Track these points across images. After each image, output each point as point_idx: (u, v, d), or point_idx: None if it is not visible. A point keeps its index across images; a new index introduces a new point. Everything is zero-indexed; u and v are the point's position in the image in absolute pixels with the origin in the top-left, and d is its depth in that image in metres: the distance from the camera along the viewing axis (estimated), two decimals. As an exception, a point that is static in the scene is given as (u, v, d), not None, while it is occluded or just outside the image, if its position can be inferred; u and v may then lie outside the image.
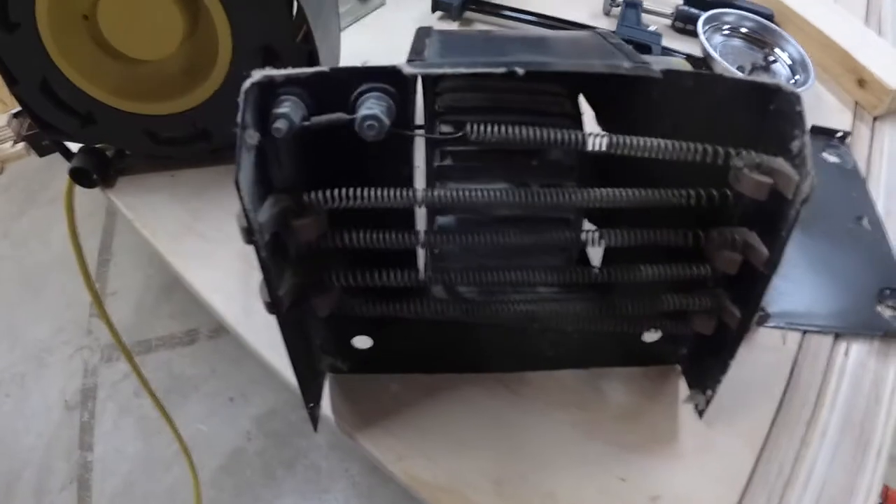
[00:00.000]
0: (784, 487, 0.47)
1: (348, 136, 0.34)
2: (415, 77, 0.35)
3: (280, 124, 0.32)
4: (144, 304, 1.68)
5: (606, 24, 0.90)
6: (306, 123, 0.34)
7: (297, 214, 0.36)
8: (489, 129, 0.34)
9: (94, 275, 1.68)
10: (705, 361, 0.47)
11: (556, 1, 0.92)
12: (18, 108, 0.66)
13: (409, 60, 0.36)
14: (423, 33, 0.46)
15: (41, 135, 0.63)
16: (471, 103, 0.42)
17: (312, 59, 0.57)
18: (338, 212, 0.36)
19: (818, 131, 0.74)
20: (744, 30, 0.85)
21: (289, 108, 0.33)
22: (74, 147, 0.65)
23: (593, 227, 0.41)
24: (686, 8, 0.88)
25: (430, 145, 0.42)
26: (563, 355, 0.50)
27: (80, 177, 0.64)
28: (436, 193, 0.36)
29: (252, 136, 0.32)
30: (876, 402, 0.52)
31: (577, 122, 0.42)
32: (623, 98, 0.42)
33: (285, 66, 0.34)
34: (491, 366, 0.51)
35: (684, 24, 0.88)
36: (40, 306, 1.68)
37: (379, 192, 0.35)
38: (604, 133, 0.35)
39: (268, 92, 0.34)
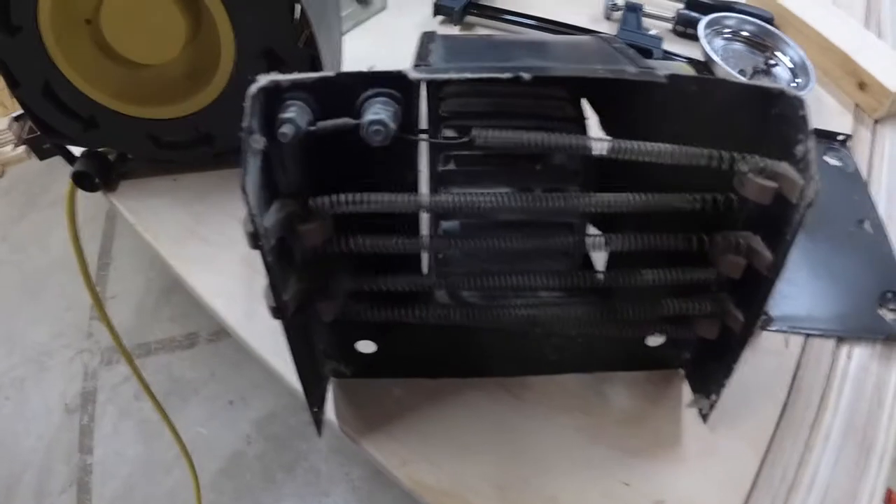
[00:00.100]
0: (788, 492, 0.46)
1: (354, 141, 0.34)
2: (420, 82, 0.35)
3: (286, 129, 0.32)
4: (144, 307, 1.68)
5: (607, 28, 0.90)
6: (312, 128, 0.34)
7: (302, 219, 0.36)
8: (495, 133, 0.34)
9: (95, 278, 1.68)
10: (709, 366, 0.46)
11: (557, 5, 0.92)
12: (19, 112, 0.66)
13: (415, 65, 0.36)
14: (427, 38, 0.46)
15: (42, 138, 0.63)
16: (475, 108, 0.42)
17: (315, 64, 0.57)
18: (343, 217, 0.36)
19: (819, 134, 0.74)
20: (744, 33, 0.86)
21: (295, 113, 0.33)
22: (76, 151, 0.65)
23: (597, 232, 0.41)
24: (687, 12, 0.88)
25: (435, 150, 0.42)
26: (567, 360, 0.50)
27: (83, 181, 0.64)
28: (441, 198, 0.36)
29: (258, 141, 0.31)
30: (878, 406, 0.52)
31: (581, 126, 0.42)
32: (627, 102, 0.42)
33: (288, 71, 0.34)
34: (494, 370, 0.51)
35: (685, 27, 0.88)
36: (40, 310, 1.68)
37: (384, 197, 0.35)
38: (610, 138, 0.35)
39: (273, 97, 0.34)
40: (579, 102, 0.44)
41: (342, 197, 0.35)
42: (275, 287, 0.35)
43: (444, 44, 0.45)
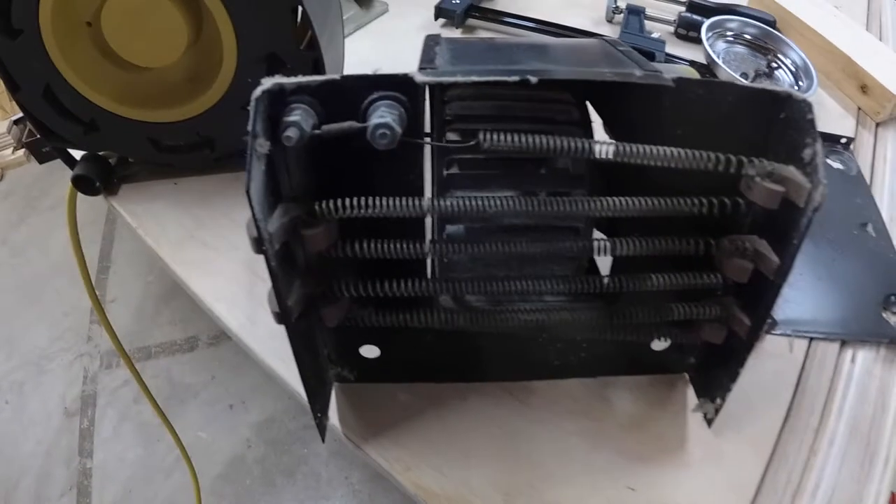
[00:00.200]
0: (793, 496, 0.46)
1: (358, 144, 0.34)
2: (426, 85, 0.34)
3: (291, 133, 0.32)
4: (144, 311, 1.67)
5: (609, 32, 0.90)
6: (317, 132, 0.33)
7: (307, 224, 0.35)
8: (502, 137, 0.34)
9: (94, 282, 1.67)
10: (714, 370, 0.46)
11: (559, 8, 0.92)
12: (19, 115, 0.65)
13: (421, 68, 0.36)
14: (432, 41, 0.46)
15: (41, 141, 0.63)
16: (479, 111, 0.42)
17: (318, 67, 0.56)
18: (347, 221, 0.36)
19: (822, 137, 0.74)
20: (747, 36, 0.86)
21: (299, 117, 0.33)
22: (77, 154, 0.65)
23: (603, 236, 0.41)
24: (689, 15, 0.88)
25: (439, 154, 0.41)
26: (571, 364, 0.50)
27: (83, 184, 0.63)
28: (449, 203, 0.35)
29: (263, 145, 0.31)
30: (882, 410, 0.52)
31: (587, 130, 0.42)
32: (632, 106, 0.42)
33: (290, 74, 0.34)
34: (498, 375, 0.51)
35: (687, 30, 0.88)
36: (39, 313, 1.67)
37: (391, 202, 0.35)
38: (619, 142, 0.35)
39: (278, 100, 0.33)
40: (585, 105, 0.44)
41: (349, 202, 0.35)
42: (279, 292, 0.34)
43: (449, 47, 0.44)
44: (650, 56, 0.82)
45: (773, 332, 0.55)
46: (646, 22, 0.89)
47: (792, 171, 0.35)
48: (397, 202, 0.35)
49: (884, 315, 0.57)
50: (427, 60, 0.39)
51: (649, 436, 0.48)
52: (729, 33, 0.86)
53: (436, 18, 0.89)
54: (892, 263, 0.61)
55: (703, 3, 0.90)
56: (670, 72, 0.38)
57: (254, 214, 0.31)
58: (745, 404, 0.49)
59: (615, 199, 0.37)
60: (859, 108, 0.80)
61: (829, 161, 0.71)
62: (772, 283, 0.37)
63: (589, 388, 0.51)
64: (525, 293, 0.41)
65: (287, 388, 0.50)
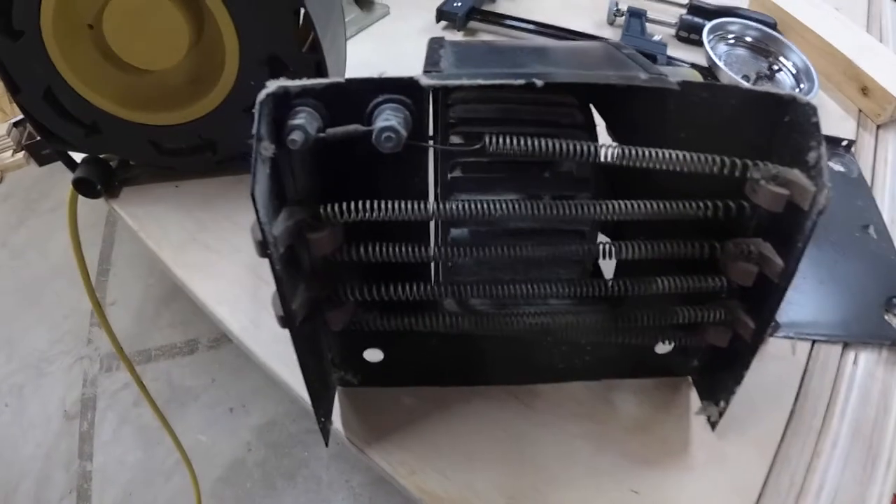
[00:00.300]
0: (796, 499, 0.46)
1: (363, 147, 0.34)
2: (431, 88, 0.34)
3: (296, 136, 0.32)
4: (144, 313, 1.67)
5: (610, 34, 0.90)
6: (322, 135, 0.33)
7: (312, 227, 0.35)
8: (507, 140, 0.34)
9: (94, 284, 1.67)
10: (718, 373, 0.46)
11: (560, 11, 0.92)
12: (19, 117, 0.65)
13: (426, 71, 0.36)
14: (436, 44, 0.45)
15: (41, 144, 0.63)
16: (484, 114, 0.42)
17: (320, 69, 0.56)
18: (353, 224, 0.36)
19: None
20: (748, 39, 0.86)
21: (304, 120, 0.32)
22: (77, 157, 0.65)
23: (608, 240, 0.41)
24: (690, 17, 0.88)
25: (444, 157, 0.41)
26: (575, 367, 0.50)
27: (84, 187, 0.63)
28: (454, 206, 0.35)
29: (267, 149, 0.31)
30: (885, 412, 0.52)
31: (592, 133, 0.42)
32: (635, 109, 0.42)
33: (292, 77, 0.34)
34: (502, 378, 0.50)
35: (688, 33, 0.88)
36: (39, 316, 1.67)
37: (397, 206, 0.35)
38: (625, 146, 0.35)
39: (282, 103, 0.33)
40: (589, 108, 0.44)
41: (354, 205, 0.35)
42: (283, 296, 0.34)
43: (453, 50, 0.44)
44: (652, 59, 0.82)
45: (776, 334, 0.55)
46: (647, 25, 0.89)
47: (796, 175, 0.35)
48: (403, 206, 0.35)
49: (886, 317, 0.57)
50: (432, 63, 0.39)
51: (653, 439, 0.48)
52: (730, 36, 0.86)
53: (437, 21, 0.89)
54: (893, 265, 0.61)
55: (704, 5, 0.90)
56: (674, 74, 0.38)
57: (259, 218, 0.30)
58: (748, 407, 0.49)
59: (620, 202, 0.37)
60: (860, 111, 0.80)
61: (830, 163, 0.71)
62: (776, 286, 0.37)
63: (593, 392, 0.51)
64: (530, 297, 0.40)
65: (290, 392, 0.50)
